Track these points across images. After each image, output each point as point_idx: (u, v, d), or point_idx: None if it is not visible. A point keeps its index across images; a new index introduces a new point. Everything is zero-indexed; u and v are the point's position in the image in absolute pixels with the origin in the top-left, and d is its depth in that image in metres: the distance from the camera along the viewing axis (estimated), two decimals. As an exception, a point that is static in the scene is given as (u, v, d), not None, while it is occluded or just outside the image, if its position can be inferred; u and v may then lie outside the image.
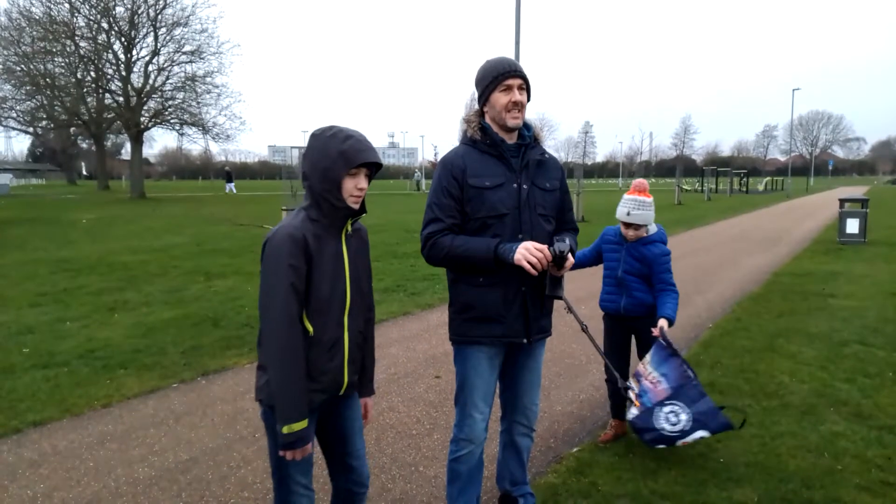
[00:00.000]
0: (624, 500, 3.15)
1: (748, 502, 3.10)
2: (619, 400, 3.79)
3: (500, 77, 2.51)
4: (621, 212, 3.55)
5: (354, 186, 2.11)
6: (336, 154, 2.05)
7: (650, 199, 3.53)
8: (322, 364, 2.12)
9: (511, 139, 2.62)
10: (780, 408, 4.31)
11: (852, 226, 13.85)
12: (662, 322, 3.46)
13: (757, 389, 4.67)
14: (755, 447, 3.71)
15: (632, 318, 3.70)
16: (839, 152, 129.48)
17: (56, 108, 37.09)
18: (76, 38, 33.46)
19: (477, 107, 2.69)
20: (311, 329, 2.09)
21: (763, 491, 3.20)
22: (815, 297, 8.03)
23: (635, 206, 3.50)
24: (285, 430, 2.01)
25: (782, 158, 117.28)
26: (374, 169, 2.20)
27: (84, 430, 4.05)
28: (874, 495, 3.15)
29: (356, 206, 2.15)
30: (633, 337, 3.80)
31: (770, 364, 5.27)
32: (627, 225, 3.57)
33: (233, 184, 45.45)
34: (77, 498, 3.23)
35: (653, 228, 3.64)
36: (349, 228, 2.21)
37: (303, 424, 2.03)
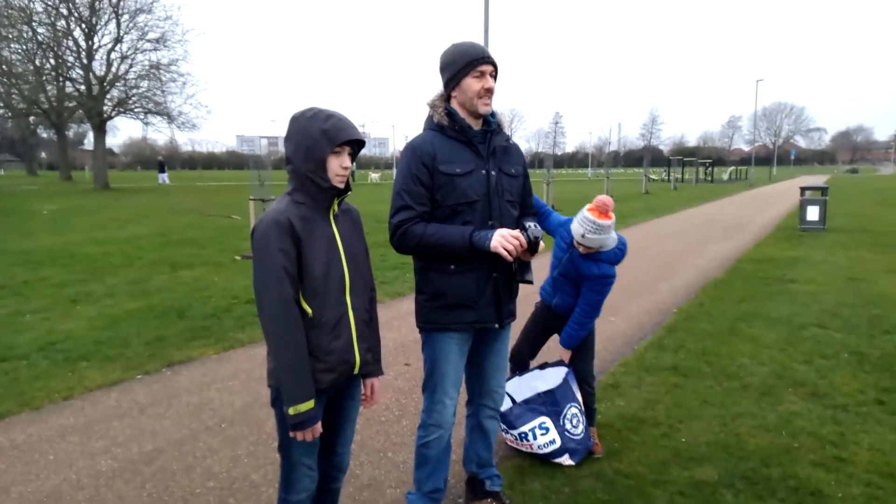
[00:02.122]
0: (588, 479, 3.21)
1: (709, 480, 3.18)
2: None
3: (473, 62, 2.48)
4: (576, 230, 3.16)
5: (339, 165, 2.12)
6: (319, 133, 2.06)
7: (610, 222, 3.12)
8: (326, 344, 2.12)
9: (477, 125, 2.60)
10: (741, 389, 4.42)
11: (812, 213, 14.22)
12: (563, 352, 3.50)
13: (718, 371, 4.78)
14: (716, 427, 3.81)
15: (559, 318, 3.51)
16: (801, 142, 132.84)
17: (14, 96, 35.71)
18: (33, 23, 32.33)
19: (441, 91, 2.66)
20: (309, 310, 2.09)
21: (723, 469, 3.29)
22: (776, 283, 8.24)
23: (592, 230, 3.10)
24: (291, 410, 2.03)
25: (746, 148, 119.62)
26: (356, 148, 2.20)
27: (44, 424, 3.96)
28: (828, 471, 3.26)
29: (341, 185, 2.16)
30: (554, 333, 3.63)
31: (731, 347, 5.39)
32: (579, 242, 3.23)
33: (166, 174, 44.02)
34: (36, 492, 3.16)
35: (612, 242, 3.27)
36: (336, 209, 2.21)
37: (309, 405, 2.04)
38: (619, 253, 3.31)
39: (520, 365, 3.66)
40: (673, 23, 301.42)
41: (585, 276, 3.28)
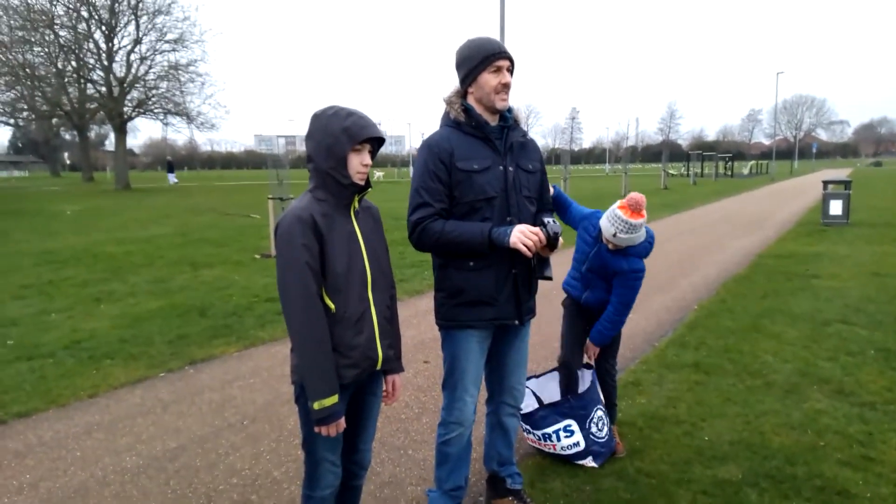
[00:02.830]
0: (610, 479, 3.19)
1: (732, 479, 3.14)
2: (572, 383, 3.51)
3: (490, 58, 2.47)
4: (607, 229, 3.08)
5: (360, 163, 2.14)
6: (340, 131, 2.08)
7: (642, 220, 3.04)
8: (349, 339, 2.13)
9: (494, 121, 2.59)
10: (764, 387, 4.37)
11: (835, 207, 13.98)
12: (591, 348, 3.40)
13: (741, 369, 4.72)
14: (739, 426, 3.76)
15: (592, 311, 3.42)
16: (823, 135, 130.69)
17: (37, 98, 36.31)
18: (55, 27, 32.83)
19: (457, 87, 2.65)
20: (332, 306, 2.11)
21: (747, 468, 3.25)
22: (799, 278, 8.12)
23: (623, 229, 3.03)
24: (316, 405, 2.04)
25: (767, 142, 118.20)
26: (376, 146, 2.22)
27: (70, 421, 4.03)
28: (855, 470, 3.20)
29: (362, 182, 2.18)
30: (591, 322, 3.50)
31: (754, 344, 5.33)
32: (609, 240, 3.17)
33: (174, 174, 44.29)
34: (64, 487, 3.22)
35: (640, 240, 3.17)
36: (356, 205, 2.23)
37: (333, 400, 2.06)
38: (649, 246, 3.25)
39: (572, 374, 3.47)
40: (691, 15, 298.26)
41: (615, 272, 3.22)
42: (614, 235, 3.07)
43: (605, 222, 3.11)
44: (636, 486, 3.12)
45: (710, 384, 4.43)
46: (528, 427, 3.43)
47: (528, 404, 3.40)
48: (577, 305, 3.50)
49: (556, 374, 3.60)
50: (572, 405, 3.34)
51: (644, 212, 3.05)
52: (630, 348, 5.41)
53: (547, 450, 3.39)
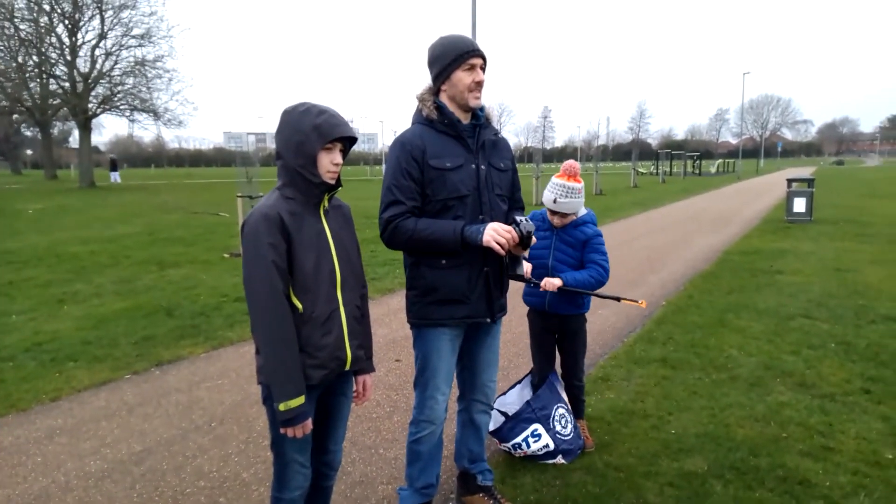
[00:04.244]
0: (579, 473, 3.22)
1: (698, 471, 3.20)
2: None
3: (464, 55, 2.47)
4: (547, 198, 3.24)
5: (330, 162, 2.10)
6: (310, 129, 2.04)
7: (580, 185, 3.21)
8: (317, 340, 2.10)
9: (466, 119, 2.60)
10: (729, 380, 4.46)
11: (799, 205, 14.32)
12: (555, 280, 3.15)
13: (707, 363, 4.81)
14: (705, 418, 3.83)
15: (557, 317, 3.42)
16: (788, 134, 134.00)
17: (-4, 93, 35.35)
18: (15, 20, 31.90)
19: (430, 84, 2.64)
20: (300, 306, 2.08)
21: (712, 460, 3.31)
22: (764, 274, 8.30)
23: (563, 193, 3.19)
24: (282, 407, 2.01)
25: (734, 141, 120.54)
26: (348, 145, 2.19)
27: (31, 425, 3.92)
28: (816, 460, 3.29)
29: (332, 182, 2.14)
30: (557, 334, 3.53)
31: (720, 338, 5.43)
32: (553, 212, 3.30)
33: (117, 173, 43.24)
34: (24, 494, 3.13)
35: (582, 211, 3.36)
36: (326, 204, 2.20)
37: (299, 401, 2.03)
38: (593, 215, 3.43)
39: (546, 381, 3.52)
40: (660, 16, 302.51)
41: (583, 240, 3.29)
42: (555, 201, 3.21)
43: (546, 194, 3.26)
44: (605, 479, 3.15)
45: (676, 378, 4.50)
46: (497, 440, 3.46)
47: (495, 420, 3.43)
48: (541, 318, 3.52)
49: (517, 389, 3.68)
50: (533, 408, 3.38)
51: (580, 178, 3.24)
52: (599, 344, 5.48)
53: (518, 455, 3.40)
